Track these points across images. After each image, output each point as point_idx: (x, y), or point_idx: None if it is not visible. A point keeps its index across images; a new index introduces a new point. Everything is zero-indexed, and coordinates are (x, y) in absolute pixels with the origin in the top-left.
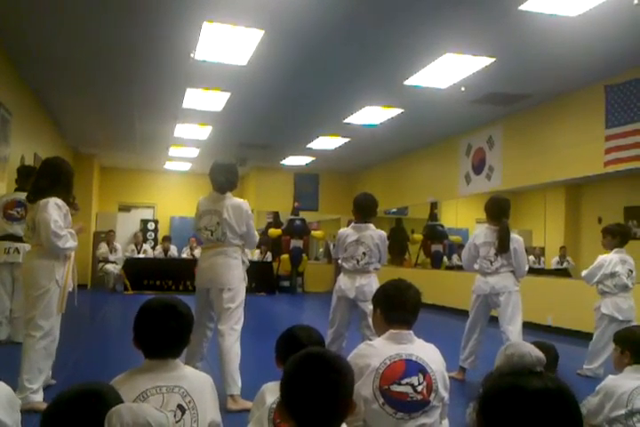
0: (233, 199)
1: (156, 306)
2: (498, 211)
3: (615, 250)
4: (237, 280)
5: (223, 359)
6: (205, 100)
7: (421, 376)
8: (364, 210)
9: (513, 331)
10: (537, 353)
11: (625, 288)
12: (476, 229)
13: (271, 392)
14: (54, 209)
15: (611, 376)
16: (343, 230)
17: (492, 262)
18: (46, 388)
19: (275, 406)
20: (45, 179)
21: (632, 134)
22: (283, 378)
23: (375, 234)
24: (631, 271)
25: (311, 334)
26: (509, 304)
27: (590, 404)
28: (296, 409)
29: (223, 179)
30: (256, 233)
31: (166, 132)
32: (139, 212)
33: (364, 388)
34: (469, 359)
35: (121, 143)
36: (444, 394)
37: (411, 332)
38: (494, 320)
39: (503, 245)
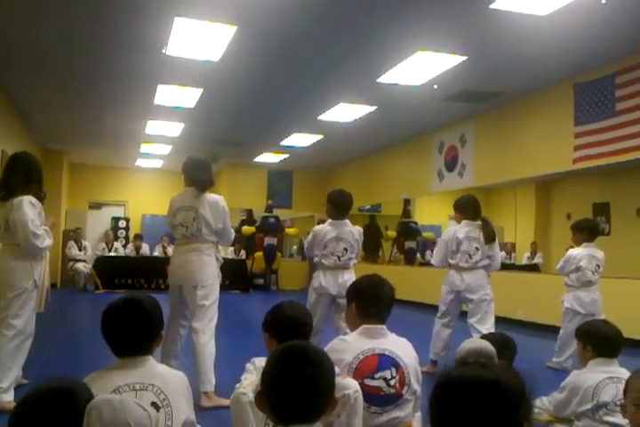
0: (210, 195)
1: (118, 303)
2: (476, 208)
3: (584, 244)
4: (211, 277)
5: (198, 357)
6: (177, 96)
7: (394, 370)
8: (341, 206)
9: (482, 331)
10: (488, 347)
11: (588, 283)
12: (450, 225)
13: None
14: (29, 208)
15: (575, 371)
16: (320, 227)
17: (471, 256)
18: (17, 387)
19: None
20: (17, 175)
21: (600, 132)
22: (264, 370)
23: (355, 230)
24: (598, 266)
25: (301, 311)
26: (482, 306)
27: (556, 400)
28: (274, 402)
29: (206, 177)
30: (232, 230)
31: (138, 129)
32: (110, 209)
33: None
34: (443, 353)
35: (91, 140)
36: (417, 387)
37: (384, 326)
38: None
39: (492, 237)
